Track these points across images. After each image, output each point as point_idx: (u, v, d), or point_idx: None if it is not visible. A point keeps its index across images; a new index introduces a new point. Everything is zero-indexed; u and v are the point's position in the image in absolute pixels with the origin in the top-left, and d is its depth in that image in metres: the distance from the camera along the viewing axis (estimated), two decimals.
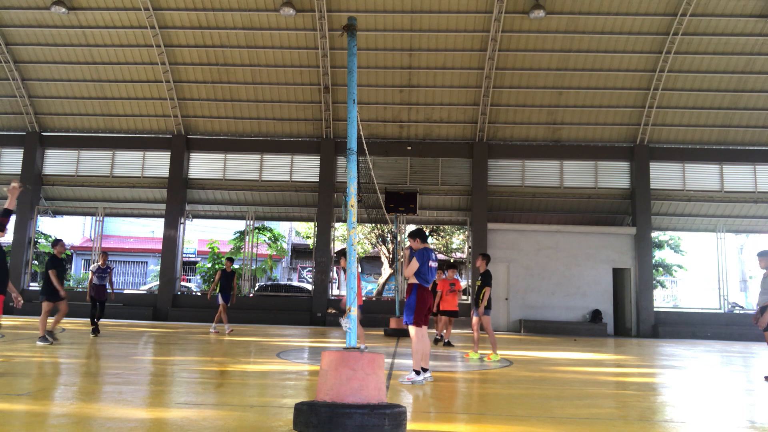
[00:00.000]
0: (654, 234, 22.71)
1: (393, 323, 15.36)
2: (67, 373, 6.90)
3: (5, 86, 20.14)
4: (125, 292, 23.79)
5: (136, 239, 33.64)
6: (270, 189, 20.35)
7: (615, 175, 19.96)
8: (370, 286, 32.20)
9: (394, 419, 3.98)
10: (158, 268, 22.31)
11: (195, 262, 29.63)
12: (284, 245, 30.53)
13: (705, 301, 26.04)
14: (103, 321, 12.22)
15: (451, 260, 31.49)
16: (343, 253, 10.57)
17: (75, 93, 20.25)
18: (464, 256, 24.94)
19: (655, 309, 19.22)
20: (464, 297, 21.17)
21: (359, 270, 10.02)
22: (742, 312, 22.37)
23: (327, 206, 19.67)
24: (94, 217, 22.01)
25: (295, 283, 31.80)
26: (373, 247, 29.98)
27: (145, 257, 32.93)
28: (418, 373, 6.86)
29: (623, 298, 19.57)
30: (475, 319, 10.10)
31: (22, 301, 7.93)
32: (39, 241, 22.13)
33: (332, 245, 20.28)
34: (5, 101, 20.45)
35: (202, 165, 20.55)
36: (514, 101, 19.49)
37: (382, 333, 15.34)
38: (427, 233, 7.97)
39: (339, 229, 23.97)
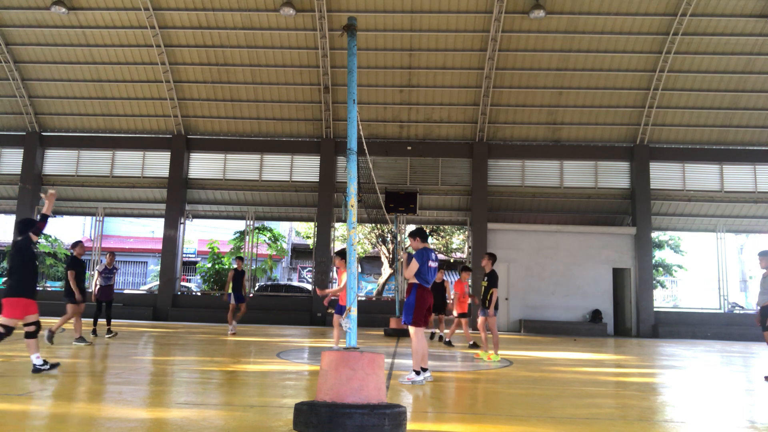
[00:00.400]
0: (654, 234, 22.71)
1: (393, 323, 15.36)
2: (67, 373, 6.90)
3: (5, 86, 20.14)
4: (125, 292, 23.78)
5: (136, 239, 33.64)
6: (270, 189, 20.35)
7: (615, 175, 19.96)
8: (370, 286, 32.21)
9: (394, 419, 3.98)
10: (158, 268, 22.30)
11: (195, 262, 29.63)
12: (284, 245, 30.52)
13: (705, 301, 26.03)
14: (101, 321, 12.20)
15: (452, 260, 31.52)
16: (339, 253, 10.60)
17: (75, 93, 20.25)
18: (464, 256, 24.93)
19: (655, 309, 19.22)
20: None
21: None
22: (742, 312, 22.37)
23: (327, 206, 19.67)
24: (94, 217, 22.00)
25: (295, 283, 31.79)
26: (373, 247, 29.99)
27: (145, 257, 32.93)
28: (418, 373, 6.86)
29: (623, 298, 19.57)
30: (481, 319, 10.13)
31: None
32: (39, 241, 22.10)
33: (332, 245, 20.28)
34: (5, 101, 20.46)
35: (202, 165, 20.55)
36: (514, 101, 19.49)
37: (382, 333, 15.33)
38: (427, 233, 7.96)
39: (339, 229, 23.97)
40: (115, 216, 23.86)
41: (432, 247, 7.36)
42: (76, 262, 10.66)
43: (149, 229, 33.01)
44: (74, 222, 32.19)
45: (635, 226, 19.24)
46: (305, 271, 35.17)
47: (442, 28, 18.45)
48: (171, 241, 19.78)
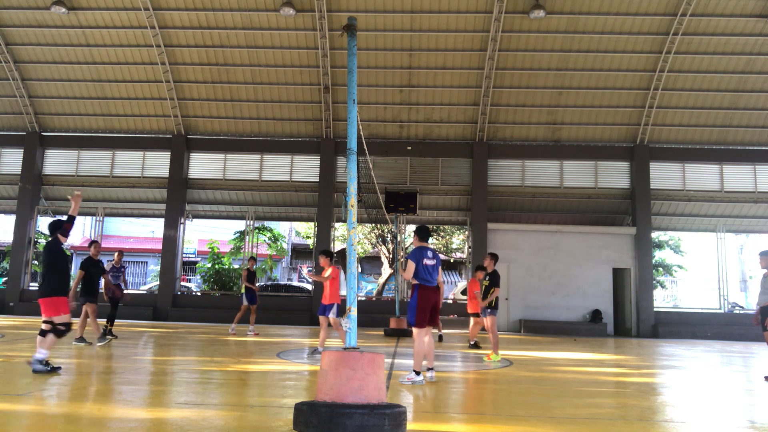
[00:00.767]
0: (654, 234, 22.71)
1: (393, 323, 15.35)
2: (67, 373, 6.90)
3: (5, 86, 20.14)
4: (125, 292, 23.71)
5: (136, 239, 33.63)
6: (270, 189, 20.35)
7: (615, 175, 19.96)
8: (370, 286, 32.22)
9: (394, 419, 3.99)
10: (158, 268, 22.30)
11: (195, 262, 29.62)
12: (284, 245, 30.51)
13: (705, 301, 26.03)
14: (100, 321, 12.16)
15: (452, 260, 31.53)
16: (324, 252, 10.66)
17: (75, 93, 20.25)
18: (464, 256, 24.94)
19: (655, 309, 19.21)
20: (464, 297, 21.20)
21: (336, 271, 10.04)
22: (742, 312, 22.36)
23: (327, 206, 19.67)
24: (94, 217, 21.99)
25: (295, 283, 31.78)
26: (373, 247, 30.00)
27: (145, 257, 32.93)
28: (418, 373, 6.86)
29: (623, 298, 19.57)
30: (490, 318, 10.16)
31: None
32: (39, 241, 22.10)
33: (332, 245, 20.26)
34: (5, 101, 20.45)
35: (202, 165, 20.55)
36: (514, 101, 19.49)
37: (382, 333, 15.33)
38: (430, 231, 7.81)
39: (339, 229, 23.97)
40: (115, 216, 23.86)
41: (430, 245, 7.35)
42: (91, 262, 10.53)
43: (149, 229, 33.01)
44: (74, 222, 32.15)
45: (635, 226, 19.24)
46: (305, 271, 35.15)
47: (442, 28, 18.45)
48: (171, 241, 19.78)
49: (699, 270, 29.05)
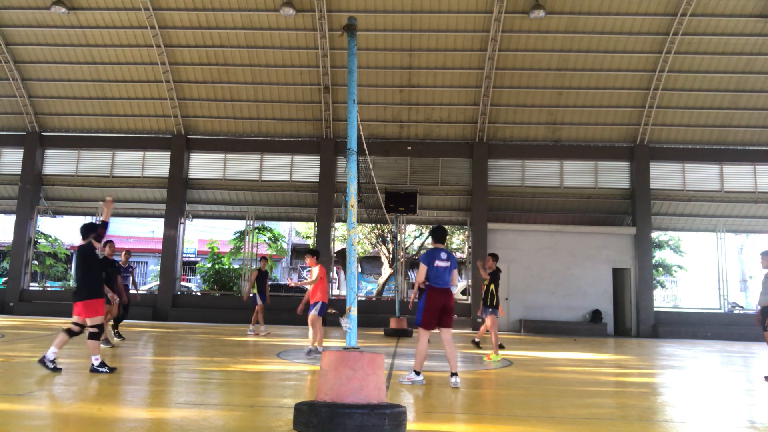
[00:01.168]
0: (654, 234, 22.71)
1: (393, 323, 15.35)
2: (67, 373, 6.90)
3: (5, 86, 20.14)
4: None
5: (136, 239, 33.60)
6: (270, 189, 20.35)
7: (615, 175, 19.96)
8: (370, 286, 32.22)
9: (394, 419, 3.99)
10: (158, 268, 22.29)
11: (195, 262, 29.62)
12: (284, 245, 30.50)
13: (705, 301, 26.03)
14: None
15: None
16: (310, 251, 10.64)
17: (75, 93, 20.25)
18: (464, 256, 24.93)
19: (655, 309, 19.21)
20: (463, 297, 21.20)
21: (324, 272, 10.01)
22: (742, 312, 22.37)
23: (327, 206, 19.67)
24: (94, 217, 21.99)
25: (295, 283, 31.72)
26: (373, 247, 30.00)
27: (145, 257, 32.91)
28: (418, 373, 6.86)
29: (623, 298, 19.56)
30: (491, 318, 10.17)
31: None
32: (39, 241, 22.10)
33: (332, 245, 20.26)
34: (5, 101, 20.45)
35: (202, 165, 20.55)
36: (514, 101, 19.49)
37: (382, 333, 15.33)
38: (446, 231, 7.65)
39: (339, 229, 23.97)
40: (115, 216, 23.84)
41: (444, 246, 7.19)
42: (107, 262, 10.48)
43: (149, 229, 33.00)
44: (74, 222, 32.17)
45: (635, 226, 19.24)
46: (305, 271, 35.14)
47: (442, 28, 18.45)
48: (171, 241, 19.78)
49: (699, 270, 29.05)
